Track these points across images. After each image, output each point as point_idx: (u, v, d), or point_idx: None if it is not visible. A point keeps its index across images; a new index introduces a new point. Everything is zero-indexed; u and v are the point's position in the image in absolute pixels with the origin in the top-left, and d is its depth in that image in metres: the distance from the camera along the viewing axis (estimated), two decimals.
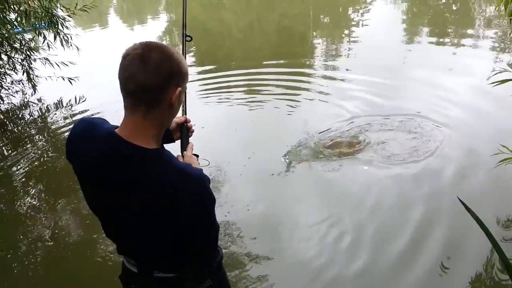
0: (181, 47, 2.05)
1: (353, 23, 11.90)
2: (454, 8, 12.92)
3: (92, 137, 1.37)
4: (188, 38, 2.07)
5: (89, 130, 1.40)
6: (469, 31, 9.71)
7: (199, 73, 7.75)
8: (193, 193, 1.31)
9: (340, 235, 3.49)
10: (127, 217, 1.38)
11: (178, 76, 1.32)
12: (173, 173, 1.31)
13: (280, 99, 6.29)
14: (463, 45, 8.58)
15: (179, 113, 1.55)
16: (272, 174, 4.38)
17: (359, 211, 3.77)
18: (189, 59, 8.49)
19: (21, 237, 3.87)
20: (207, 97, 6.55)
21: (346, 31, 10.98)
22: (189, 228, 1.36)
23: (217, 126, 5.54)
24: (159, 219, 1.33)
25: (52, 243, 3.77)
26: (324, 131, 5.15)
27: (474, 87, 6.12)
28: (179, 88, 1.33)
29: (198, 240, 1.42)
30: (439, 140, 4.78)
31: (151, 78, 1.26)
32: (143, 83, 1.25)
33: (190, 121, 1.81)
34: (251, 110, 6.09)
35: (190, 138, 1.78)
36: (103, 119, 1.47)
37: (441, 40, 8.92)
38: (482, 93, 5.79)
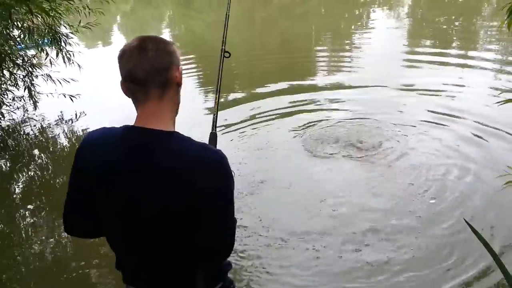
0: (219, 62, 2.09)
1: (354, 43, 11.90)
2: (456, 24, 12.96)
3: (105, 139, 1.39)
4: (226, 55, 2.13)
5: (100, 136, 1.41)
6: (472, 51, 9.69)
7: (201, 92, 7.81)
8: (213, 166, 1.34)
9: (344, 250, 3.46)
10: (155, 215, 1.35)
11: (176, 55, 1.41)
12: (193, 149, 1.34)
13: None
14: (467, 65, 8.52)
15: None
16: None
17: (358, 231, 3.69)
18: (192, 80, 8.51)
19: (19, 256, 3.82)
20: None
21: (347, 52, 10.96)
22: (208, 213, 1.34)
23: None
24: (180, 205, 1.32)
25: (50, 261, 3.72)
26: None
27: (479, 105, 6.09)
28: (180, 66, 1.43)
29: (216, 231, 1.39)
30: (443, 162, 4.72)
31: (156, 60, 1.34)
32: (150, 66, 1.33)
33: None
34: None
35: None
36: None
37: (444, 59, 8.84)
38: (487, 112, 5.74)
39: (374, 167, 4.69)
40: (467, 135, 5.27)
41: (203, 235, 1.37)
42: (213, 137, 1.85)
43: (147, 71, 1.33)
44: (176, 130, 1.40)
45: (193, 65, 9.48)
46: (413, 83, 7.36)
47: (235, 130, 5.85)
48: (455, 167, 4.58)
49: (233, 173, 1.41)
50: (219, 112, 1.97)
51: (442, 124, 5.64)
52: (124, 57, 1.35)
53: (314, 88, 7.60)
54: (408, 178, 4.44)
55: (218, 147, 1.61)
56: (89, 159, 1.39)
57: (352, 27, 13.89)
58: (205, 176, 1.31)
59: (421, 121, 5.73)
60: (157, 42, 1.38)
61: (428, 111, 6.07)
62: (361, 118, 5.93)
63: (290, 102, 6.76)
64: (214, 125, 1.92)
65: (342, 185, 4.42)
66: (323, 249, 3.50)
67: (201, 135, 1.84)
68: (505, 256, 3.26)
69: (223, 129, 5.77)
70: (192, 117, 5.35)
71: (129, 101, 1.42)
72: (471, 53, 9.52)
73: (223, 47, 2.14)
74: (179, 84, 1.42)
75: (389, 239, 3.57)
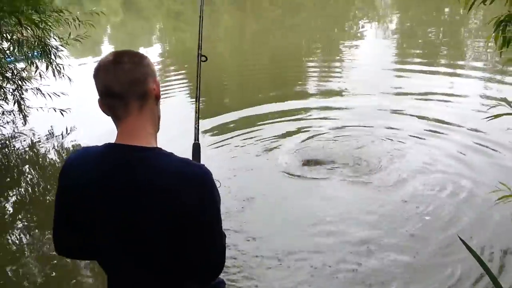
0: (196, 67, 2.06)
1: (344, 55, 11.95)
2: (444, 37, 13.05)
3: (87, 157, 1.37)
4: (203, 58, 2.11)
5: (83, 155, 1.40)
6: (460, 63, 9.75)
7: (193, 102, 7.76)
8: (197, 181, 1.31)
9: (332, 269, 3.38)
10: (140, 232, 1.32)
11: (151, 67, 1.39)
12: (175, 165, 1.31)
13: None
14: (457, 76, 8.59)
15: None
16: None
17: (353, 250, 3.62)
18: (183, 90, 8.50)
19: (8, 272, 3.71)
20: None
21: (338, 63, 10.99)
22: (194, 231, 1.31)
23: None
24: (164, 222, 1.29)
25: (40, 278, 3.65)
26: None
27: (471, 117, 6.09)
28: (157, 79, 1.41)
29: (204, 249, 1.35)
30: (438, 177, 4.68)
31: (132, 73, 1.32)
32: (127, 79, 1.31)
33: None
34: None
35: None
36: None
37: (433, 74, 8.81)
38: (476, 127, 5.72)
39: (367, 184, 4.63)
40: (461, 149, 5.25)
41: (190, 253, 1.35)
42: (196, 147, 1.85)
43: (124, 84, 1.31)
44: (159, 145, 1.39)
45: (184, 76, 9.51)
46: (404, 94, 7.43)
47: (226, 143, 5.84)
48: (450, 182, 4.54)
49: (218, 183, 1.39)
50: (209, 124, 1.94)
51: (434, 135, 5.65)
52: (100, 73, 1.33)
53: (306, 101, 7.63)
54: (402, 195, 4.37)
55: (208, 159, 1.57)
56: (72, 177, 1.38)
57: (343, 39, 13.96)
58: (189, 193, 1.29)
59: (414, 134, 5.74)
60: (132, 55, 1.37)
61: (421, 123, 6.10)
62: (354, 129, 5.96)
63: (282, 114, 6.77)
64: (197, 135, 1.91)
65: (335, 203, 4.34)
66: (317, 269, 3.42)
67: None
68: (503, 275, 3.22)
69: (214, 142, 5.78)
70: (184, 127, 5.30)
71: None
72: (460, 64, 9.60)
73: (199, 51, 2.12)
74: (157, 97, 1.40)
75: (384, 258, 3.50)
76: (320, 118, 6.58)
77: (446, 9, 17.25)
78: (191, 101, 7.96)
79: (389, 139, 5.59)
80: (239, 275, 3.39)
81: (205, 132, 6.05)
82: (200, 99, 2.01)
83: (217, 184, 1.71)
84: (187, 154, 1.75)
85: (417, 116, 6.33)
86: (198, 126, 1.92)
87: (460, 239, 1.53)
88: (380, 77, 8.65)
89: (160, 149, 1.36)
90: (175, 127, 5.73)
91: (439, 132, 5.75)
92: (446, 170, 4.81)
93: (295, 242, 3.75)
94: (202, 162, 1.74)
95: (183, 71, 10.12)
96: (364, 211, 4.15)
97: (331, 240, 3.75)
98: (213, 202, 1.35)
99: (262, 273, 3.41)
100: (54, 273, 3.70)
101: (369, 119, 6.26)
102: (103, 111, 1.37)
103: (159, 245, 1.33)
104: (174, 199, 1.28)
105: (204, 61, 2.10)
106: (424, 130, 5.84)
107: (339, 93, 7.85)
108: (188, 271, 1.38)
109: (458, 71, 8.85)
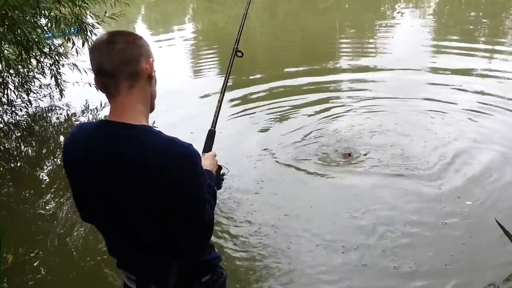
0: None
1: (379, 36, 11.74)
2: (484, 20, 12.66)
3: (82, 133, 1.43)
4: (239, 54, 2.12)
5: (79, 130, 1.46)
6: (501, 39, 9.58)
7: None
8: (182, 159, 1.34)
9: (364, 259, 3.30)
10: (124, 206, 1.38)
11: (146, 47, 1.41)
12: (161, 143, 1.34)
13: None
14: (498, 53, 8.42)
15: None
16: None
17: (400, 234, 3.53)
18: (213, 72, 8.58)
19: (42, 238, 3.89)
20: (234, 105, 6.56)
21: (372, 40, 10.84)
22: (176, 207, 1.35)
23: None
24: (148, 197, 1.34)
25: (69, 246, 3.77)
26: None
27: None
28: (151, 59, 1.42)
29: (185, 225, 1.38)
30: (474, 161, 4.52)
31: (124, 52, 1.35)
32: (118, 58, 1.34)
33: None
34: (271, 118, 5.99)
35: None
36: None
37: (473, 51, 8.61)
38: None
39: (407, 174, 4.41)
40: (505, 128, 5.10)
41: (174, 230, 1.39)
42: (211, 133, 1.89)
43: (115, 63, 1.34)
44: (149, 124, 1.42)
45: (216, 59, 9.57)
46: (443, 70, 7.32)
47: (252, 117, 5.84)
48: (495, 167, 4.35)
49: (226, 169, 1.46)
50: (236, 98, 1.96)
51: (477, 115, 5.51)
52: (94, 51, 1.37)
53: (338, 75, 7.65)
54: (440, 180, 4.23)
55: (231, 137, 1.61)
56: (69, 151, 1.45)
57: (378, 20, 13.69)
58: (176, 172, 1.32)
59: (457, 110, 5.63)
60: (126, 35, 1.39)
61: (464, 99, 5.97)
62: (389, 102, 5.96)
63: (314, 89, 6.79)
64: (214, 122, 1.95)
65: (370, 193, 4.16)
66: (348, 254, 3.35)
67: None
68: None
69: (238, 115, 5.83)
70: (210, 108, 5.30)
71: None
72: (500, 41, 9.42)
73: (236, 46, 2.10)
74: (150, 77, 1.41)
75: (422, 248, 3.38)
76: (353, 91, 6.60)
77: None
78: (221, 77, 8.00)
79: (429, 114, 5.50)
80: (271, 255, 3.42)
81: (231, 104, 6.13)
82: (230, 80, 2.03)
83: (225, 171, 1.79)
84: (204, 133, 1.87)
85: (459, 92, 6.25)
86: (218, 114, 1.96)
87: (497, 222, 1.47)
88: (418, 53, 8.57)
89: (150, 127, 1.40)
90: (198, 104, 5.85)
91: (482, 111, 5.59)
92: (492, 153, 4.58)
93: (327, 227, 3.69)
94: (225, 138, 1.81)
95: (215, 53, 10.20)
96: (401, 201, 4.00)
97: (366, 231, 3.61)
98: (198, 181, 1.39)
99: (295, 255, 3.40)
100: (84, 238, 3.85)
101: (406, 93, 6.23)
102: (98, 88, 1.42)
103: (144, 220, 1.39)
104: (160, 177, 1.32)
105: (240, 56, 2.10)
106: (467, 107, 5.70)
107: (373, 68, 7.80)
108: (172, 246, 1.43)
109: (498, 47, 8.67)
